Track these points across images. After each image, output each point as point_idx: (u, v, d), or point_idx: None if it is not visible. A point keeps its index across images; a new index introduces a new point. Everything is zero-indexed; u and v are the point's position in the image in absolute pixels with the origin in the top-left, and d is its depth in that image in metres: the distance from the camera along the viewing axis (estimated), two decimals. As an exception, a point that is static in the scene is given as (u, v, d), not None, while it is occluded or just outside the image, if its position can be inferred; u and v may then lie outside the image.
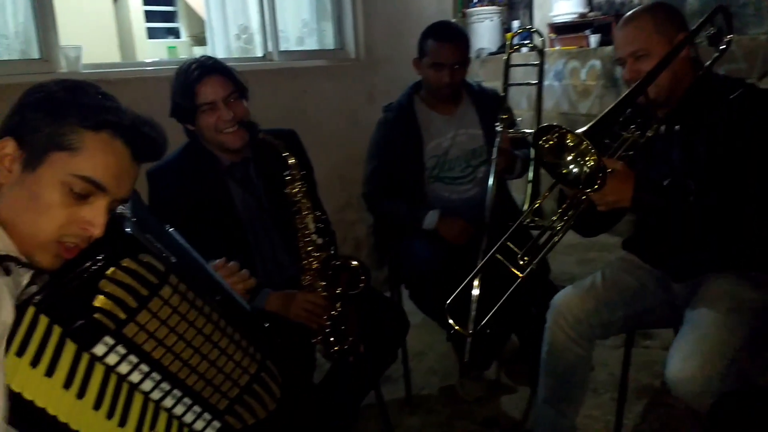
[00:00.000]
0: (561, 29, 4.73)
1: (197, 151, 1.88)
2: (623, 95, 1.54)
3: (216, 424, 1.12)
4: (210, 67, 1.80)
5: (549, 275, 2.37)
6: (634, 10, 1.72)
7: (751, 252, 1.62)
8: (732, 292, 1.58)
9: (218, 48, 3.21)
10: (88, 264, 0.95)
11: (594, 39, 4.41)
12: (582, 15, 4.63)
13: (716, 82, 1.68)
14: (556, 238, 1.68)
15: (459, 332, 1.84)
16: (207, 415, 1.11)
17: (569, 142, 1.47)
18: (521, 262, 1.69)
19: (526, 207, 2.29)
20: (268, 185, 1.92)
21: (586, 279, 1.84)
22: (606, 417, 2.21)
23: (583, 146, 1.43)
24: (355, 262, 1.84)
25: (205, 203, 1.83)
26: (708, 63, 1.68)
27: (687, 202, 1.56)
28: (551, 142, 1.48)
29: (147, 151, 1.05)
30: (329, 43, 3.52)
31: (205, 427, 1.11)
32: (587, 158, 1.45)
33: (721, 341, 1.47)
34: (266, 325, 1.30)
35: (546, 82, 4.47)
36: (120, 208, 1.04)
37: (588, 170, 1.45)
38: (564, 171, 1.50)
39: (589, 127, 1.45)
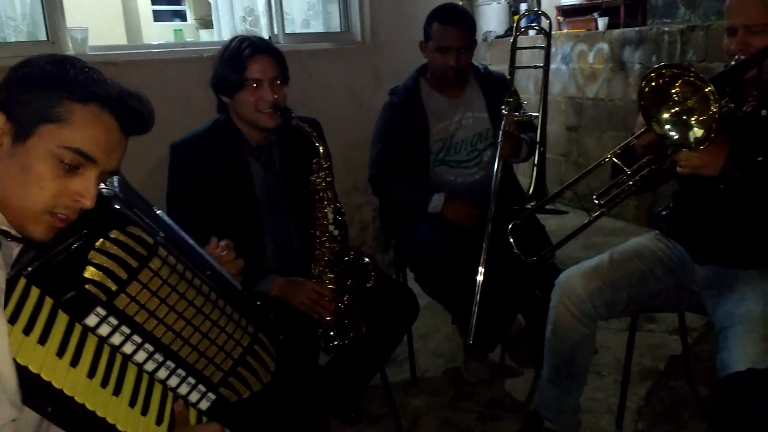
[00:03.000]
0: (569, 12, 4.71)
1: (226, 128, 1.90)
2: (736, 64, 1.50)
3: (211, 396, 1.14)
4: (264, 46, 1.84)
5: (553, 259, 2.38)
6: None
7: None
8: None
9: (224, 30, 3.21)
10: (77, 236, 0.97)
11: (602, 22, 4.37)
12: (590, -2, 4.60)
13: None
14: (630, 190, 1.64)
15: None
16: (201, 387, 1.12)
17: (683, 93, 1.43)
18: (596, 202, 1.65)
19: (531, 190, 2.31)
20: (289, 170, 1.94)
21: (593, 259, 1.85)
22: (609, 399, 2.23)
23: (699, 102, 1.39)
24: (367, 259, 1.87)
25: (225, 181, 1.85)
26: None
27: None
28: (657, 85, 1.44)
29: (134, 124, 1.06)
30: (335, 25, 3.51)
31: (200, 399, 1.12)
32: (701, 116, 1.41)
33: None
34: (258, 303, 1.31)
35: (553, 66, 4.46)
36: (108, 189, 1.05)
37: (698, 127, 1.42)
38: (668, 121, 1.47)
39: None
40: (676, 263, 1.80)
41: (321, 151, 1.82)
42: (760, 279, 1.60)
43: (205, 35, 6.57)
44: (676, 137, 1.46)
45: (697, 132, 1.43)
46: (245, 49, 1.80)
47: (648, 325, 2.71)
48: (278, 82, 1.83)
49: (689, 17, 4.07)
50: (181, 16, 7.48)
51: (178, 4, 7.54)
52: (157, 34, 6.52)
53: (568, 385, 1.87)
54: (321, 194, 1.82)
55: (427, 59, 2.44)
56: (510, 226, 1.85)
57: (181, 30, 6.86)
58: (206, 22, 6.73)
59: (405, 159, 2.40)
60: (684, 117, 1.45)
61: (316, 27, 3.45)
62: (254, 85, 1.80)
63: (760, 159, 1.54)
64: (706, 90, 1.37)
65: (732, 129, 1.50)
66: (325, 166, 1.83)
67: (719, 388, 1.45)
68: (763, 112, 1.57)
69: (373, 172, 2.45)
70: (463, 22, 2.37)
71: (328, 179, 1.82)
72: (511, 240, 1.81)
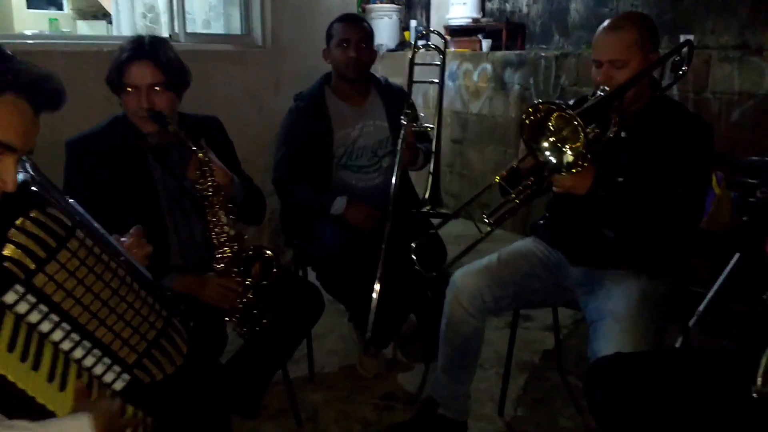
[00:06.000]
0: (456, 32, 4.99)
1: (125, 126, 1.88)
2: (602, 96, 1.71)
3: (125, 376, 1.17)
4: (144, 51, 1.80)
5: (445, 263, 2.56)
6: (621, 15, 1.86)
7: (648, 252, 1.85)
8: (638, 285, 1.80)
9: (123, 26, 3.14)
10: None
11: (486, 44, 4.69)
12: (475, 20, 4.92)
13: (668, 104, 1.90)
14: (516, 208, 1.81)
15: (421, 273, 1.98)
16: (116, 368, 1.15)
17: (557, 125, 1.61)
18: (486, 220, 1.82)
19: (426, 196, 2.47)
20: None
21: (484, 259, 2.04)
22: (492, 390, 2.43)
23: (571, 132, 1.57)
24: (269, 252, 1.91)
25: (124, 179, 1.84)
26: (665, 86, 1.92)
27: (629, 200, 1.74)
28: (534, 119, 1.61)
29: (48, 104, 1.09)
30: (236, 28, 3.52)
31: (114, 380, 1.15)
32: (572, 144, 1.60)
33: (645, 329, 1.70)
34: (168, 293, 1.36)
35: (441, 82, 4.71)
36: (24, 173, 1.08)
37: (570, 154, 1.61)
38: (546, 149, 1.65)
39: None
40: (554, 264, 2.02)
41: (199, 156, 1.80)
42: (624, 278, 1.85)
43: (83, 27, 6.26)
44: (553, 162, 1.66)
45: (570, 158, 1.62)
46: (125, 53, 1.80)
47: (525, 322, 2.97)
48: (157, 88, 1.80)
49: (563, 44, 4.48)
50: (57, 4, 7.08)
51: (55, -8, 7.12)
52: (31, 22, 6.12)
53: (460, 374, 2.04)
54: (210, 199, 1.83)
55: (330, 65, 2.56)
56: (413, 245, 1.98)
57: (56, 20, 6.48)
58: (84, 13, 6.41)
59: (309, 162, 2.49)
60: (559, 145, 1.64)
61: (217, 28, 3.45)
62: (130, 90, 1.80)
63: (620, 180, 1.78)
64: (575, 123, 1.56)
65: (598, 152, 1.70)
66: (209, 172, 1.81)
67: (590, 371, 1.63)
68: (623, 134, 1.80)
69: (277, 174, 2.51)
70: (362, 21, 2.57)
71: (214, 184, 1.82)
72: (414, 257, 1.95)
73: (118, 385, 1.16)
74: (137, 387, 1.19)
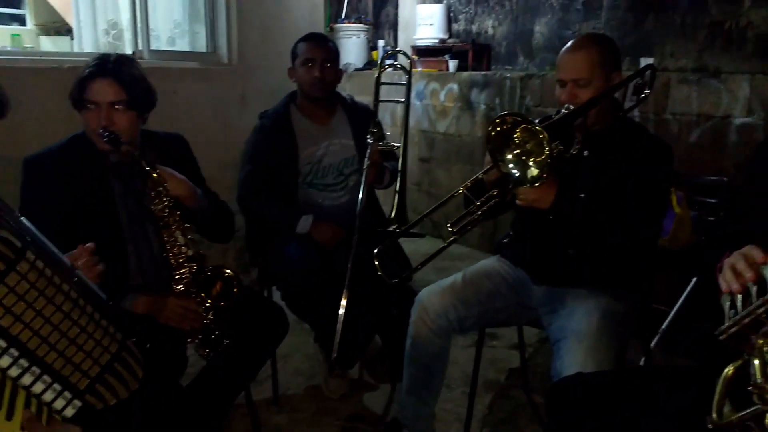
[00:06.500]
0: (423, 52, 5.04)
1: (84, 144, 1.84)
2: (566, 113, 1.73)
3: (76, 402, 1.13)
4: (107, 68, 1.78)
5: (410, 281, 2.55)
6: (584, 36, 1.88)
7: (610, 271, 1.86)
8: (599, 304, 1.81)
9: (86, 42, 3.10)
10: None
11: (452, 64, 4.75)
12: (442, 41, 4.98)
13: (630, 125, 1.93)
14: (479, 219, 1.82)
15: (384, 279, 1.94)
16: (67, 394, 1.12)
17: (522, 137, 1.62)
18: (449, 229, 1.82)
19: (393, 215, 2.47)
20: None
21: (448, 279, 2.04)
22: (458, 409, 2.42)
23: (535, 146, 1.60)
24: (228, 271, 1.88)
25: (82, 196, 1.80)
26: (627, 107, 1.96)
27: (591, 216, 1.76)
28: (501, 130, 1.63)
29: None
30: (201, 45, 3.50)
31: (65, 406, 1.12)
32: (537, 157, 1.62)
33: (608, 347, 1.70)
34: (125, 315, 1.33)
35: (408, 101, 4.75)
36: None
37: (534, 167, 1.63)
38: (511, 161, 1.66)
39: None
40: (518, 283, 2.03)
41: (154, 176, 1.76)
42: (587, 297, 1.86)
43: (46, 44, 6.16)
44: (517, 175, 1.68)
45: (534, 171, 1.65)
46: (88, 69, 1.78)
47: (491, 341, 2.97)
48: (118, 107, 1.78)
49: (528, 66, 4.55)
50: (20, 20, 6.96)
51: (17, 6, 7.01)
52: (-8, 37, 6.01)
53: (425, 395, 2.03)
54: (166, 219, 1.79)
55: (296, 83, 2.55)
56: (376, 251, 1.97)
57: (19, 35, 6.37)
58: (48, 29, 6.32)
59: (274, 180, 2.47)
60: (523, 158, 1.66)
61: (182, 45, 3.42)
62: (90, 106, 1.78)
63: (582, 196, 1.81)
64: (541, 136, 1.59)
65: (561, 169, 1.73)
66: (164, 193, 1.77)
67: (552, 391, 1.63)
68: (585, 153, 1.83)
69: (242, 192, 2.49)
70: (326, 41, 2.58)
71: (170, 204, 1.79)
72: (376, 263, 1.94)
73: (69, 412, 1.12)
74: (90, 413, 1.15)
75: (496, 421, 2.41)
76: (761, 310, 1.08)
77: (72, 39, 3.21)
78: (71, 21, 3.19)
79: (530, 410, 2.47)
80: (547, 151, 1.58)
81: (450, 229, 1.83)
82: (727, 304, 1.18)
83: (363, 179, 2.39)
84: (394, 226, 2.42)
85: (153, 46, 3.15)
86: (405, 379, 2.04)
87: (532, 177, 1.64)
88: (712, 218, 2.82)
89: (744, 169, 1.50)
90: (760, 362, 1.06)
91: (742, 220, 1.43)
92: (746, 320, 1.11)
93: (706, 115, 3.20)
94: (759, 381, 1.05)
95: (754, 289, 1.12)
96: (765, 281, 1.10)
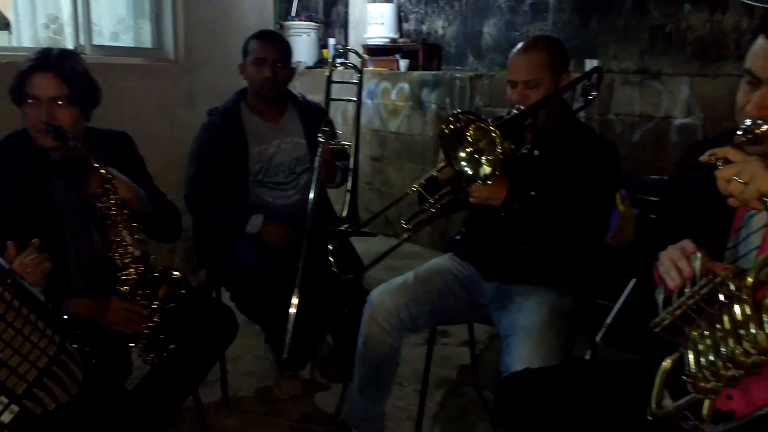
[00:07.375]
0: (374, 51, 5.05)
1: (24, 140, 1.78)
2: (516, 114, 1.76)
3: (14, 408, 1.11)
4: (48, 63, 1.72)
5: (363, 280, 2.55)
6: (533, 38, 1.92)
7: (558, 267, 1.90)
8: (546, 299, 1.85)
9: (24, 36, 2.97)
10: None
11: (403, 63, 4.77)
12: (393, 40, 4.99)
13: (578, 125, 1.97)
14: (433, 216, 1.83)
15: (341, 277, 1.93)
16: (3, 399, 1.10)
17: (475, 136, 1.64)
18: (404, 225, 1.82)
19: (344, 214, 2.46)
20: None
21: (400, 277, 2.04)
22: (409, 407, 2.43)
23: (488, 144, 1.62)
24: (176, 273, 1.84)
25: (20, 195, 1.74)
26: (576, 108, 2.00)
27: (541, 213, 1.78)
28: (454, 128, 1.64)
29: None
30: (146, 41, 3.42)
31: (1, 411, 1.10)
32: (489, 155, 1.64)
33: (555, 342, 1.74)
34: (65, 317, 1.30)
35: (359, 100, 4.75)
36: None
37: (487, 165, 1.65)
38: (463, 159, 1.68)
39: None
40: (469, 280, 2.05)
41: (102, 173, 1.72)
42: (534, 293, 1.89)
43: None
44: (470, 173, 1.70)
45: (486, 169, 1.67)
46: (29, 63, 1.73)
47: (442, 339, 3.00)
48: (59, 102, 1.73)
49: (477, 66, 4.61)
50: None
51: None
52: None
53: (375, 394, 2.03)
54: (113, 218, 1.75)
55: (246, 80, 2.51)
56: (330, 247, 1.96)
57: (-47, 27, 6.10)
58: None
59: (223, 179, 2.43)
60: (476, 156, 1.69)
61: (126, 41, 3.33)
62: (30, 101, 1.73)
63: (532, 194, 1.84)
64: (493, 134, 1.61)
65: (512, 167, 1.76)
66: (111, 190, 1.74)
67: (501, 386, 1.65)
68: (536, 152, 1.87)
69: (190, 191, 2.44)
70: (280, 39, 2.55)
71: (117, 202, 1.75)
72: (331, 259, 1.93)
73: (6, 417, 1.10)
74: (28, 418, 1.12)
75: (448, 418, 2.43)
76: (691, 301, 1.13)
77: (10, 33, 3.08)
78: (9, 15, 3.07)
79: (481, 406, 2.50)
80: (499, 149, 1.60)
81: (405, 226, 1.84)
82: (660, 297, 1.22)
83: (314, 178, 2.37)
84: (346, 225, 2.41)
85: (95, 42, 3.06)
86: (356, 379, 2.03)
87: (485, 175, 1.67)
88: (653, 216, 2.91)
89: (676, 168, 1.56)
90: (693, 353, 1.10)
91: (673, 218, 1.48)
92: (677, 312, 1.15)
93: (648, 115, 3.30)
94: (693, 370, 1.09)
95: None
96: (695, 274, 1.15)
